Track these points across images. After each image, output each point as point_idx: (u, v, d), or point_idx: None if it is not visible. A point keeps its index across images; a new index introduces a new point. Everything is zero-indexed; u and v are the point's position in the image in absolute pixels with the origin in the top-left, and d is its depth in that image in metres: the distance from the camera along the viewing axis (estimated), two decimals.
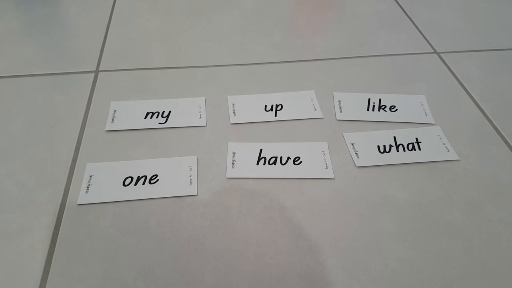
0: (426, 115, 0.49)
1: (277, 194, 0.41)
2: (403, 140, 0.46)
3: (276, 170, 0.43)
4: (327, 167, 0.43)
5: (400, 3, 0.72)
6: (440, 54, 0.60)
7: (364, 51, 0.60)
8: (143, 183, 0.42)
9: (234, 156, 0.45)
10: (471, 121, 0.49)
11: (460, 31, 0.65)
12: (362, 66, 0.58)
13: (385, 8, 0.71)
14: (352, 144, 0.46)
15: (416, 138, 0.46)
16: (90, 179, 0.42)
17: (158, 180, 0.42)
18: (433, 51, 0.61)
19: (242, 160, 0.45)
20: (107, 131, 0.47)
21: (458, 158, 0.44)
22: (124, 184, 0.42)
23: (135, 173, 0.43)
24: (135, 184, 0.42)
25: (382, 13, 0.69)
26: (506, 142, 0.47)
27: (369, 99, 0.52)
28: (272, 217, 0.39)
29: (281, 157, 0.45)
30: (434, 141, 0.46)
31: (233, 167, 0.44)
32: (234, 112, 0.50)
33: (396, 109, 0.50)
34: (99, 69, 0.56)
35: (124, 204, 0.40)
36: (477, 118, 0.50)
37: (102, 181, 0.42)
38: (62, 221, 0.39)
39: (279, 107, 0.51)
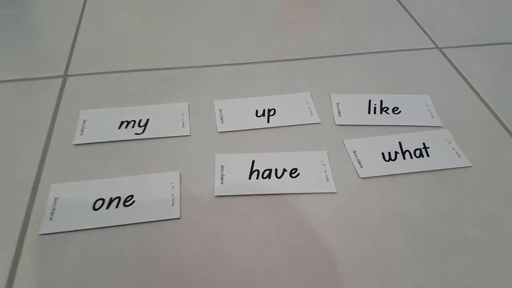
0: (433, 117, 0.45)
1: (273, 212, 0.36)
2: (409, 146, 0.41)
3: (271, 185, 0.38)
4: (327, 179, 0.38)
5: None
6: (442, 49, 0.56)
7: (360, 47, 0.56)
8: (117, 206, 0.36)
9: (222, 169, 0.40)
10: (481, 123, 0.45)
11: (461, 24, 0.61)
12: (359, 64, 0.53)
13: (380, 1, 0.66)
14: (354, 152, 0.41)
15: (424, 143, 0.42)
16: (55, 202, 0.36)
17: (134, 201, 0.37)
18: (434, 46, 0.57)
19: (232, 174, 0.39)
20: (76, 144, 0.42)
21: (470, 164, 0.40)
22: (94, 208, 0.36)
23: (107, 194, 0.37)
24: (107, 208, 0.36)
25: (377, 6, 0.65)
26: None
27: (369, 101, 0.47)
28: (268, 240, 0.34)
29: (276, 170, 0.40)
30: (443, 146, 0.42)
31: (222, 183, 0.38)
32: (221, 119, 0.45)
33: (400, 111, 0.46)
34: (68, 73, 0.50)
35: (95, 232, 0.34)
36: (486, 119, 0.46)
37: (69, 205, 0.36)
38: (21, 256, 0.33)
39: (271, 112, 0.46)
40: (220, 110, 0.46)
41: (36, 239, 0.34)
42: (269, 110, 0.46)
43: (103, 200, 0.37)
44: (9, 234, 0.34)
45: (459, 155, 0.41)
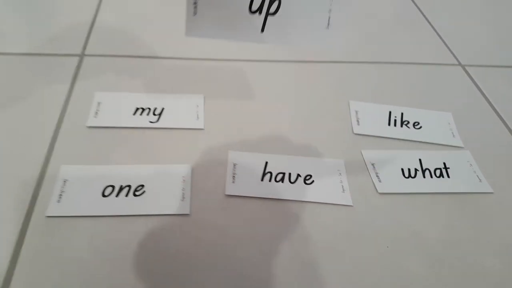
0: (454, 136, 0.44)
1: (285, 220, 0.35)
2: (429, 164, 0.40)
3: (284, 190, 0.37)
4: (343, 190, 0.38)
5: (419, 7, 0.66)
6: (465, 67, 0.55)
7: (382, 56, 0.55)
8: (126, 194, 0.35)
9: (235, 167, 0.39)
10: (504, 147, 0.44)
11: (486, 43, 0.60)
12: (380, 73, 0.52)
13: (403, 11, 0.65)
14: (373, 165, 0.40)
15: (444, 163, 0.41)
16: (64, 184, 0.35)
17: (144, 191, 0.36)
18: (457, 63, 0.55)
19: (244, 173, 0.38)
20: (89, 127, 0.40)
21: (491, 190, 0.39)
22: (103, 195, 0.35)
23: (117, 181, 0.36)
24: (117, 195, 0.35)
25: (400, 17, 0.63)
26: None
27: (390, 112, 0.46)
28: (279, 249, 0.33)
29: (289, 174, 0.39)
30: (464, 168, 0.41)
31: (233, 182, 0.38)
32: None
33: (421, 126, 0.45)
34: (85, 53, 0.49)
35: (102, 220, 0.33)
36: (509, 144, 0.45)
37: (78, 188, 0.35)
38: (26, 235, 0.32)
39: None
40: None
41: (43, 220, 0.33)
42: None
43: (113, 187, 0.36)
44: (15, 212, 0.33)
45: (480, 180, 0.40)
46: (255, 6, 0.30)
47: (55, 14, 0.54)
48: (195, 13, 0.31)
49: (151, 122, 0.42)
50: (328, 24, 0.32)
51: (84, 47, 0.50)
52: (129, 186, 0.36)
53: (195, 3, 0.30)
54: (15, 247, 0.31)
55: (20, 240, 0.32)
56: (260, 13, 0.31)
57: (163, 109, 0.43)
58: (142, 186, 0.36)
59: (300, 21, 0.31)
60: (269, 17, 0.31)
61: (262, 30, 0.31)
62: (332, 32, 0.32)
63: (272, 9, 0.31)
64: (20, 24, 0.52)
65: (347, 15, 0.31)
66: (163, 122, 0.42)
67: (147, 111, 0.43)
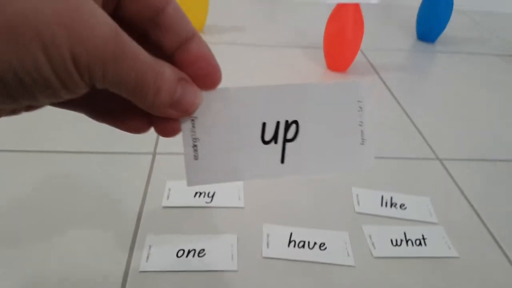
0: (431, 215, 0.58)
1: (306, 275, 0.49)
2: (412, 236, 0.54)
3: (305, 254, 0.51)
4: (348, 255, 0.51)
5: (404, 108, 0.85)
6: (442, 161, 0.71)
7: (376, 153, 0.71)
8: (193, 256, 0.50)
9: (268, 237, 0.53)
10: (469, 224, 0.58)
11: (460, 139, 0.77)
12: (373, 166, 0.68)
13: (390, 112, 0.83)
14: (369, 236, 0.54)
15: (423, 235, 0.55)
16: (150, 248, 0.50)
17: (205, 254, 0.50)
18: (435, 158, 0.72)
19: (275, 241, 0.53)
20: (163, 206, 0.57)
21: (458, 255, 0.52)
22: (177, 256, 0.50)
23: (186, 246, 0.51)
24: (186, 256, 0.50)
25: (387, 117, 0.82)
26: (500, 246, 0.55)
27: (382, 196, 0.61)
28: None
29: (308, 242, 0.53)
30: (438, 239, 0.54)
31: (268, 247, 0.52)
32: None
33: (406, 207, 0.59)
34: (156, 152, 0.67)
35: (176, 274, 0.48)
36: (474, 222, 0.59)
37: (159, 251, 0.50)
38: (127, 285, 0.46)
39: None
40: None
41: (137, 274, 0.47)
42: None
43: (183, 250, 0.50)
44: (117, 268, 0.48)
45: (449, 248, 0.53)
46: (268, 136, 0.27)
47: None
48: (196, 157, 0.26)
49: (206, 202, 0.58)
50: (363, 139, 0.28)
51: (155, 147, 0.68)
52: (194, 250, 0.51)
53: (194, 145, 0.26)
54: None
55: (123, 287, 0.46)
56: (276, 142, 0.27)
57: (214, 192, 0.60)
58: (203, 249, 0.51)
59: (326, 141, 0.27)
60: (287, 145, 0.27)
61: (282, 161, 0.27)
62: (367, 147, 0.29)
63: (290, 135, 0.27)
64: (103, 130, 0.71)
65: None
66: (215, 202, 0.58)
67: (203, 194, 0.59)
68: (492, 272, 0.51)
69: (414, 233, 0.55)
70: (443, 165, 0.70)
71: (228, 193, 0.60)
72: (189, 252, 0.50)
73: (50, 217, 0.53)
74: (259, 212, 0.57)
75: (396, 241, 0.54)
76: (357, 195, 0.61)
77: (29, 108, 0.23)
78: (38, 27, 0.18)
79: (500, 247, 0.55)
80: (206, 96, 0.25)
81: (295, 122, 0.27)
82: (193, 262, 0.49)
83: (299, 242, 0.53)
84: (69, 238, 0.51)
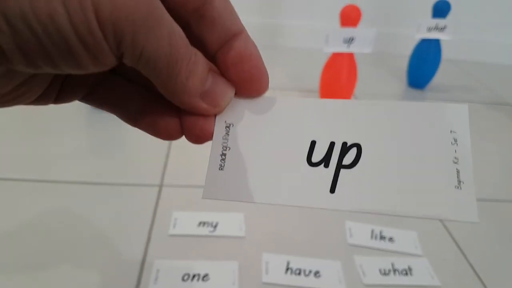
0: (416, 248, 0.63)
1: None
2: (399, 266, 0.59)
3: (301, 280, 0.56)
4: (340, 282, 0.56)
5: None
6: None
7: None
8: (197, 280, 0.54)
9: (267, 264, 0.58)
10: (450, 256, 0.63)
11: None
12: None
13: None
14: (360, 265, 0.59)
15: (409, 266, 0.59)
16: (158, 272, 0.54)
17: (209, 278, 0.54)
18: None
19: (274, 268, 0.57)
20: (170, 235, 0.61)
21: (440, 284, 0.57)
22: (183, 279, 0.54)
23: (191, 271, 0.55)
24: (191, 280, 0.54)
25: None
26: (478, 277, 0.60)
27: (372, 230, 0.66)
28: None
29: (304, 270, 0.57)
30: (422, 269, 0.59)
31: (267, 273, 0.56)
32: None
33: (394, 241, 0.64)
34: (163, 184, 0.72)
35: None
36: (455, 254, 0.64)
37: (166, 275, 0.54)
38: None
39: None
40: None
41: None
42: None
43: (188, 275, 0.55)
44: None
45: (432, 277, 0.58)
46: (317, 157, 0.21)
47: (136, 152, 0.80)
48: (221, 167, 0.22)
49: (210, 231, 0.63)
50: (459, 181, 0.21)
51: (162, 179, 0.73)
52: (198, 275, 0.55)
53: (223, 154, 0.22)
54: None
55: None
56: (327, 165, 0.21)
57: (217, 223, 0.65)
58: (207, 274, 0.55)
59: (399, 175, 0.21)
60: (342, 171, 0.21)
61: (333, 190, 0.21)
62: (466, 193, 0.22)
63: (347, 161, 0.21)
64: (110, 163, 0.77)
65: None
66: (218, 231, 0.63)
67: (207, 224, 0.64)
68: None
69: (400, 264, 0.60)
70: None
71: (230, 223, 0.65)
72: (193, 276, 0.55)
73: (61, 244, 0.58)
74: (259, 242, 0.62)
75: (384, 270, 0.58)
76: (350, 228, 0.66)
77: (60, 94, 0.22)
78: None
79: (479, 277, 0.59)
80: (248, 104, 0.22)
81: (357, 145, 0.21)
82: (198, 286, 0.53)
83: (296, 270, 0.57)
84: (80, 265, 0.55)
